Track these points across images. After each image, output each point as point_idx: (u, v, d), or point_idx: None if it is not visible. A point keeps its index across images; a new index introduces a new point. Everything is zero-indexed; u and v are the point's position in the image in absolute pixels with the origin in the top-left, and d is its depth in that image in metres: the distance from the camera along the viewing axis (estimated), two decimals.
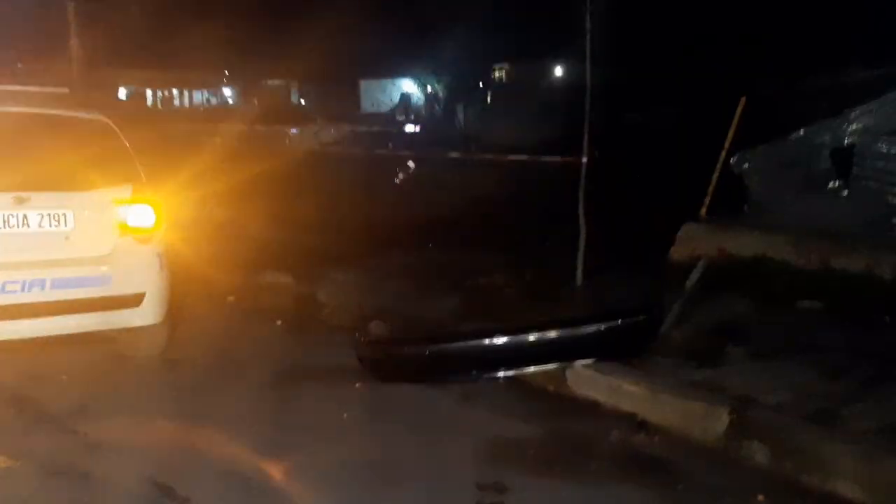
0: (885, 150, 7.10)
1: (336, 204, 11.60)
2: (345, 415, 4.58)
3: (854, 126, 7.49)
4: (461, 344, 5.22)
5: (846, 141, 7.55)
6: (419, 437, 4.33)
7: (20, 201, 4.74)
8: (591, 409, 4.66)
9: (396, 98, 44.71)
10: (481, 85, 36.21)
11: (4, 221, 4.73)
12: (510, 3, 28.93)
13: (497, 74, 41.32)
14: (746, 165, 7.95)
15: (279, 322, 6.55)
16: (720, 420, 4.12)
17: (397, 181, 16.19)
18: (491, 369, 5.07)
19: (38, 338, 4.86)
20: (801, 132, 7.84)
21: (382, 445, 4.21)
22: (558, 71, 35.58)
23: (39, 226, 4.82)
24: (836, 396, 4.35)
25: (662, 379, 4.64)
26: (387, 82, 46.95)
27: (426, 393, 4.91)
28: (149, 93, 44.58)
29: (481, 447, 4.16)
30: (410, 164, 17.24)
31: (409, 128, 29.19)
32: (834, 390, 4.46)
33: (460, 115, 32.64)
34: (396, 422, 4.50)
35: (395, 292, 6.99)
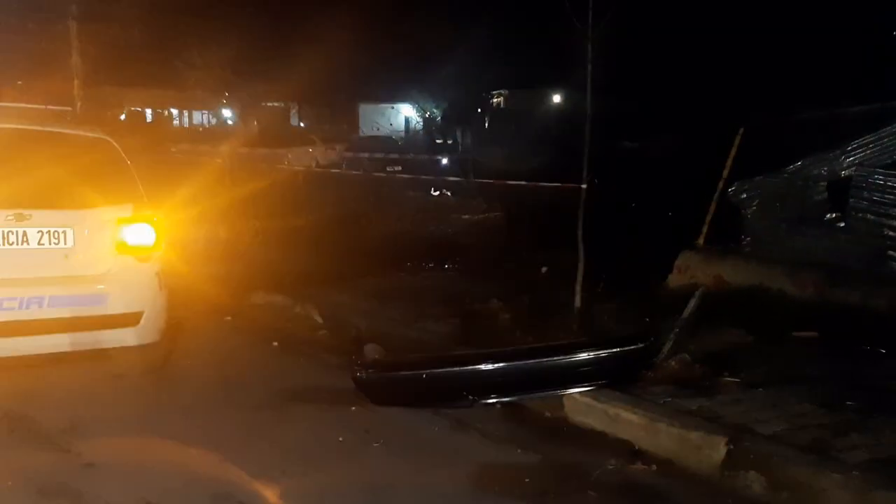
0: (881, 183, 7.16)
1: (334, 225, 11.64)
2: (340, 438, 4.56)
3: (851, 159, 7.56)
4: (457, 369, 5.21)
5: (843, 173, 7.62)
6: (414, 462, 4.31)
7: (20, 218, 4.75)
8: (587, 436, 4.65)
9: (395, 120, 44.91)
10: (479, 111, 36.38)
11: (4, 238, 4.74)
12: (509, 30, 29.17)
13: (495, 101, 41.51)
14: (744, 195, 8.00)
15: (275, 343, 6.54)
16: (717, 450, 4.12)
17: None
18: (487, 395, 5.05)
19: (34, 355, 4.84)
20: (799, 164, 7.90)
21: (377, 470, 4.19)
22: (556, 98, 35.80)
23: (39, 243, 4.83)
24: (831, 427, 4.36)
25: (659, 407, 4.64)
26: (385, 106, 47.16)
27: (421, 417, 4.89)
28: (148, 112, 44.73)
29: (476, 474, 4.14)
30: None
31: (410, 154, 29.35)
32: (829, 421, 4.46)
33: (458, 141, 32.80)
34: (391, 446, 4.48)
35: (392, 315, 6.99)
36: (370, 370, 5.40)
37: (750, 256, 7.61)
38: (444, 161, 25.96)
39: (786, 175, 7.98)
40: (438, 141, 32.15)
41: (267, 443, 4.46)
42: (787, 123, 8.44)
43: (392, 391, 5.17)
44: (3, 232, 4.73)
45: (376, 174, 21.80)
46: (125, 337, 5.05)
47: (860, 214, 7.31)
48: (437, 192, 18.27)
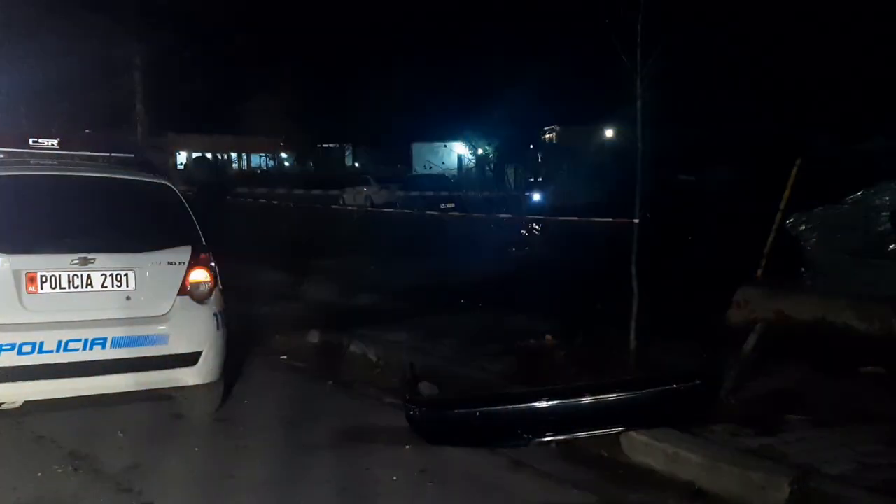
0: None
1: (388, 264, 11.74)
2: (394, 477, 4.55)
3: None
4: (512, 407, 5.17)
5: None
6: (469, 502, 4.27)
7: (85, 262, 4.89)
8: (645, 476, 4.55)
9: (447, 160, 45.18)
10: (532, 147, 36.46)
11: (69, 281, 4.88)
12: (561, 67, 29.32)
13: (547, 137, 41.60)
14: (803, 227, 7.82)
15: (330, 382, 6.59)
16: (781, 490, 3.99)
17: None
18: (542, 433, 5.00)
19: (97, 395, 4.95)
20: (860, 194, 7.70)
21: None
22: (609, 133, 35.72)
23: (102, 286, 4.96)
24: None
25: (720, 446, 4.53)
26: (438, 145, 47.61)
27: (476, 456, 4.85)
28: (209, 156, 46.10)
29: None
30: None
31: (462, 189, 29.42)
32: None
33: (510, 178, 32.81)
34: (446, 486, 4.45)
35: (446, 353, 6.99)
36: (424, 409, 5.39)
37: (811, 290, 7.42)
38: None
39: (846, 205, 7.79)
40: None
41: (322, 482, 4.47)
42: (847, 152, 8.26)
43: (447, 430, 5.15)
44: (68, 276, 4.87)
45: (430, 212, 21.93)
46: (184, 377, 5.14)
47: None
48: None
